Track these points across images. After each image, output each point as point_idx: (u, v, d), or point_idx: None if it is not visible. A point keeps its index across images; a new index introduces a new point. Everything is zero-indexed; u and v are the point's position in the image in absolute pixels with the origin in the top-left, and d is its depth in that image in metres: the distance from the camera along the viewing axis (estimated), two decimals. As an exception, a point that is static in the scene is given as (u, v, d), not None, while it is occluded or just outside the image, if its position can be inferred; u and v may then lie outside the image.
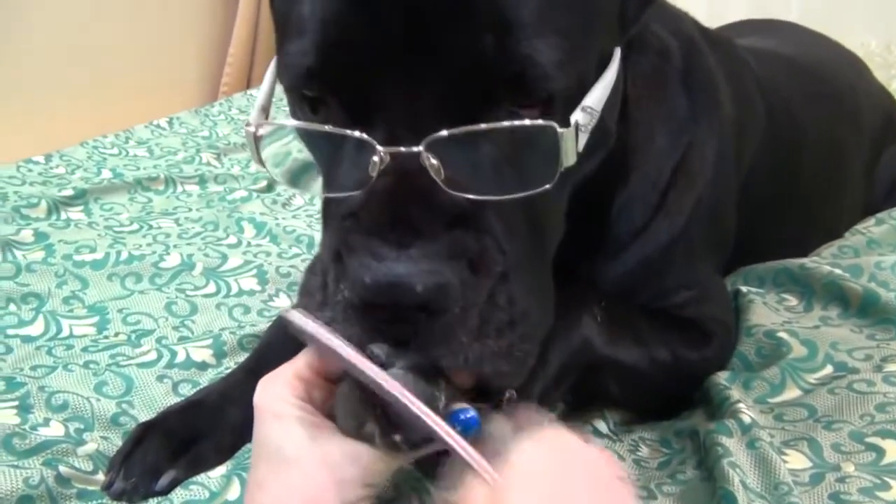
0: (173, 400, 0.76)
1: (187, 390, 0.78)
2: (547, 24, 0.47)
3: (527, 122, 0.46)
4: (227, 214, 1.21)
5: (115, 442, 0.70)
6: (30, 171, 1.38)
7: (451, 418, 0.44)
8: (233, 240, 1.12)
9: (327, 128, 0.49)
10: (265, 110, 0.55)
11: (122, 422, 0.73)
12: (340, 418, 0.46)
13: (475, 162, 0.47)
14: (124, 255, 1.03)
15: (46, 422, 0.71)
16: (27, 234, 1.12)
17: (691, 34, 0.80)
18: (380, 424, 0.44)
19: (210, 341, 0.85)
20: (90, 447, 0.69)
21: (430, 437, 0.43)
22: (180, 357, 0.82)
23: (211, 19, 2.07)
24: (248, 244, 1.11)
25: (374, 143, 0.47)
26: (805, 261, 0.89)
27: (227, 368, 0.81)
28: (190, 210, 1.25)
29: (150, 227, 1.17)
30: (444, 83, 0.47)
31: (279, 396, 0.46)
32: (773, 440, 0.66)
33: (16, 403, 0.74)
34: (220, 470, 0.67)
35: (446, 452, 0.44)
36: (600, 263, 0.73)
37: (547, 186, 0.47)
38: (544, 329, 0.55)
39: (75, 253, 1.06)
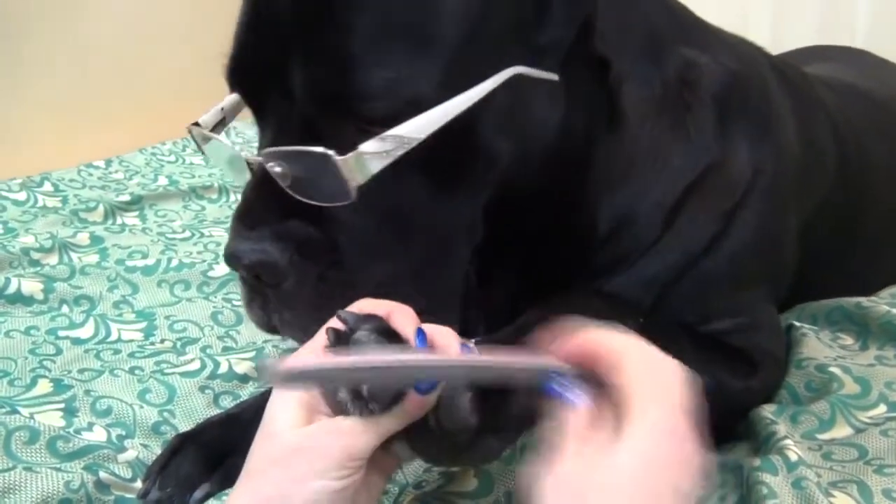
0: (213, 411, 0.77)
1: (228, 402, 0.78)
2: (379, 59, 0.54)
3: (302, 148, 0.54)
4: (276, 224, 1.22)
5: (155, 450, 0.71)
6: (90, 174, 1.42)
7: None
8: (280, 250, 1.13)
9: (215, 137, 0.63)
10: (222, 111, 0.66)
11: (162, 430, 0.74)
12: (322, 390, 0.47)
13: (305, 172, 0.55)
14: (175, 263, 1.05)
15: (90, 426, 0.72)
16: (83, 238, 1.14)
17: (747, 66, 0.78)
18: (350, 390, 0.46)
19: (253, 354, 0.85)
20: (130, 454, 0.70)
21: (398, 395, 0.46)
22: (223, 368, 0.82)
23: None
24: (295, 255, 1.12)
25: (238, 151, 0.60)
26: (861, 300, 0.86)
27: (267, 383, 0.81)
28: (240, 219, 1.26)
29: (202, 234, 1.19)
30: (298, 105, 0.56)
31: None
32: (821, 480, 0.64)
33: (62, 406, 0.75)
34: (255, 483, 0.67)
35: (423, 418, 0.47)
36: (601, 281, 0.72)
37: (347, 202, 0.54)
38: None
39: (128, 258, 1.08)
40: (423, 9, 0.55)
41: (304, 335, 0.55)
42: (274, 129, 0.58)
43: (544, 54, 0.60)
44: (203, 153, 0.65)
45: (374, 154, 0.53)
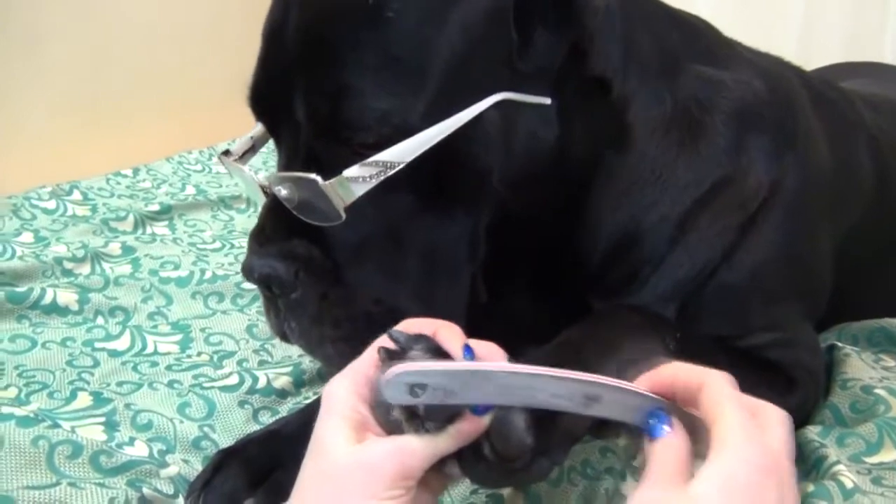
0: (253, 427, 0.76)
1: (267, 418, 0.78)
2: (371, 91, 0.57)
3: (295, 174, 0.59)
4: (306, 235, 1.22)
5: (196, 466, 0.71)
6: (118, 183, 1.42)
7: None
8: (311, 262, 1.13)
9: (237, 166, 0.68)
10: (252, 139, 0.72)
11: (203, 446, 0.73)
12: (374, 409, 0.47)
13: (303, 195, 0.60)
14: (208, 274, 1.04)
15: (132, 441, 0.72)
16: (115, 247, 1.14)
17: (771, 83, 0.78)
18: (404, 409, 0.45)
19: (290, 368, 0.85)
20: (172, 470, 0.69)
21: (454, 414, 0.46)
22: (261, 383, 0.82)
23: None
24: (327, 267, 1.12)
25: (253, 174, 0.67)
26: (903, 320, 0.85)
27: (305, 398, 0.81)
28: (270, 229, 1.26)
29: (232, 245, 1.18)
30: (303, 132, 0.61)
31: (338, 394, 0.48)
32: (874, 507, 0.63)
33: (103, 420, 0.75)
34: (298, 500, 0.66)
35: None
36: (617, 298, 0.72)
37: (338, 222, 0.59)
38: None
39: (161, 269, 1.08)
40: (412, 46, 0.59)
41: (308, 343, 0.64)
42: (285, 155, 0.64)
43: (532, 79, 0.63)
44: (233, 179, 0.70)
45: (357, 178, 0.57)
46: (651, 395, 0.46)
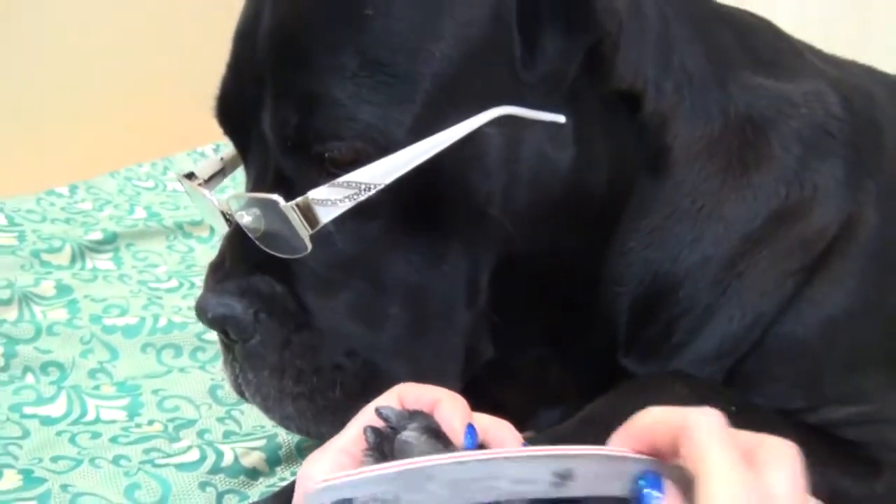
0: (217, 514, 0.79)
1: (234, 503, 0.81)
2: (346, 99, 0.61)
3: (254, 195, 0.64)
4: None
5: (148, 562, 0.74)
6: (52, 204, 1.46)
7: None
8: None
9: (199, 190, 0.72)
10: (222, 160, 0.77)
11: (155, 537, 0.77)
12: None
13: (266, 222, 0.64)
14: (162, 322, 1.09)
15: (69, 532, 0.75)
16: (48, 287, 1.18)
17: (848, 96, 0.81)
18: None
19: (263, 441, 0.88)
20: (119, 568, 0.72)
21: None
22: (227, 459, 0.85)
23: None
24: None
25: (214, 200, 0.70)
26: None
27: (281, 479, 0.84)
28: (238, 265, 1.30)
29: (192, 284, 1.22)
30: (273, 152, 0.65)
31: (317, 478, 0.48)
32: None
33: (34, 505, 0.78)
34: None
35: None
36: (650, 359, 0.75)
37: (303, 253, 0.62)
38: None
39: (104, 314, 1.12)
40: (397, 48, 0.62)
41: (264, 399, 0.67)
42: (253, 177, 0.68)
43: (541, 92, 0.66)
44: (195, 205, 0.75)
45: (325, 201, 0.60)
46: (634, 455, 0.47)
